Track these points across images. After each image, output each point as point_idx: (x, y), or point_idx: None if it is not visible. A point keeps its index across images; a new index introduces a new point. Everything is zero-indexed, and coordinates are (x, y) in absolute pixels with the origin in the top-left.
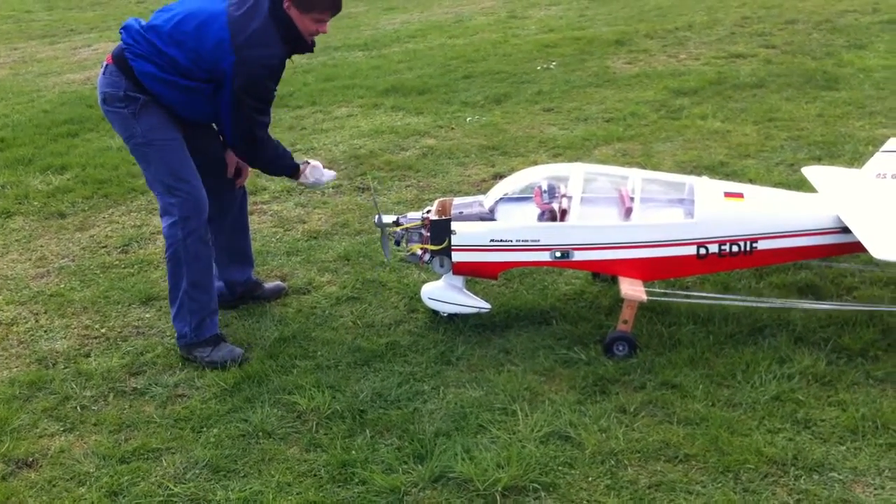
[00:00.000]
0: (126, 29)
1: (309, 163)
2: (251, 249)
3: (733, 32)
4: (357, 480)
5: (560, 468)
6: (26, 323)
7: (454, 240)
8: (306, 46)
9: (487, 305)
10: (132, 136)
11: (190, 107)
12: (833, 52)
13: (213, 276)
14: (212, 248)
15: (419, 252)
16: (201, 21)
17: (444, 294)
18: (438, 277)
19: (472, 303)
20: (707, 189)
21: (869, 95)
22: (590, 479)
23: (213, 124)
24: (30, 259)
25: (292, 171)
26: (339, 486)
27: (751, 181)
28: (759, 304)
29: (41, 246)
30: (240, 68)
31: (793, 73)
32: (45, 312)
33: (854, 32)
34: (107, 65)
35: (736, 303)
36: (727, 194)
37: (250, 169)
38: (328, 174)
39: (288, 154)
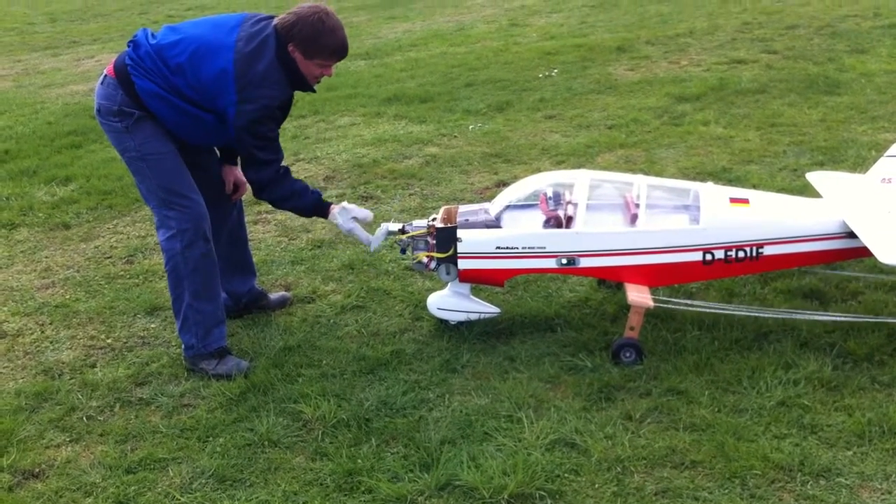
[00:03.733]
0: (135, 44)
1: (339, 206)
2: (252, 260)
3: (734, 38)
4: (363, 489)
5: (566, 475)
6: (32, 334)
7: (460, 247)
8: (308, 87)
9: (496, 309)
10: (126, 150)
11: (188, 131)
12: (834, 57)
13: (219, 285)
14: (215, 257)
15: (425, 260)
16: (206, 50)
17: (452, 302)
18: (444, 285)
19: (480, 309)
20: (712, 195)
21: (871, 100)
22: (596, 485)
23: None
24: (35, 270)
25: (317, 209)
26: (345, 495)
27: (754, 187)
28: (764, 315)
29: (46, 257)
30: (241, 107)
31: (794, 79)
32: (51, 323)
33: (855, 37)
34: (106, 75)
35: (741, 313)
36: (733, 200)
37: (246, 189)
38: (362, 213)
39: (309, 192)
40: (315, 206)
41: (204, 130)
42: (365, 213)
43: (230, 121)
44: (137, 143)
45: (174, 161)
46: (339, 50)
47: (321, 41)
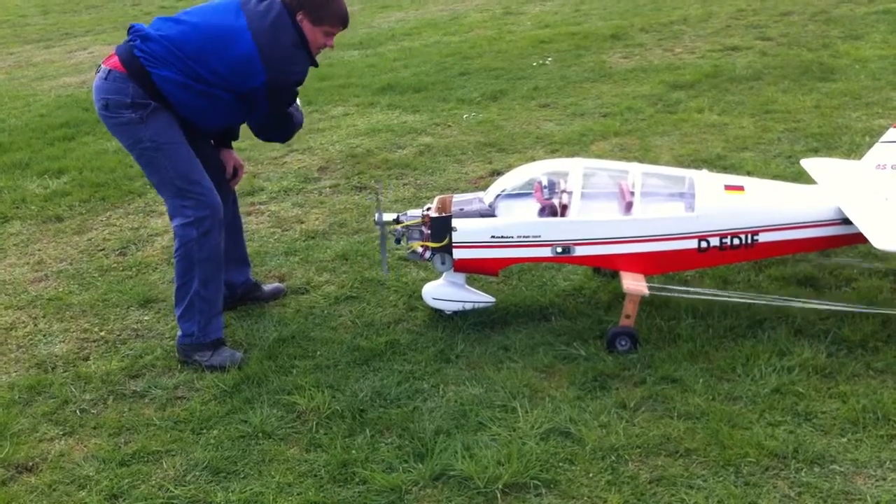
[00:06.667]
0: (143, 38)
1: None
2: (247, 250)
3: (729, 25)
4: (357, 480)
5: (560, 464)
6: (25, 327)
7: (455, 236)
8: (313, 61)
9: (492, 299)
10: (139, 142)
11: (207, 114)
12: (829, 44)
13: (223, 276)
14: (222, 247)
15: (420, 249)
16: (222, 35)
17: (448, 292)
18: (438, 276)
19: (476, 298)
20: (707, 182)
21: (865, 86)
22: (590, 474)
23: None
24: (28, 263)
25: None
26: (340, 486)
27: (749, 174)
28: (759, 302)
29: (39, 250)
30: (274, 83)
31: (789, 65)
32: (44, 316)
33: (849, 23)
34: (111, 70)
35: (735, 300)
36: (728, 187)
37: (244, 171)
38: None
39: (299, 115)
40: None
41: (223, 111)
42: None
43: (264, 96)
44: (153, 133)
45: (188, 150)
46: (344, 16)
47: (329, 7)
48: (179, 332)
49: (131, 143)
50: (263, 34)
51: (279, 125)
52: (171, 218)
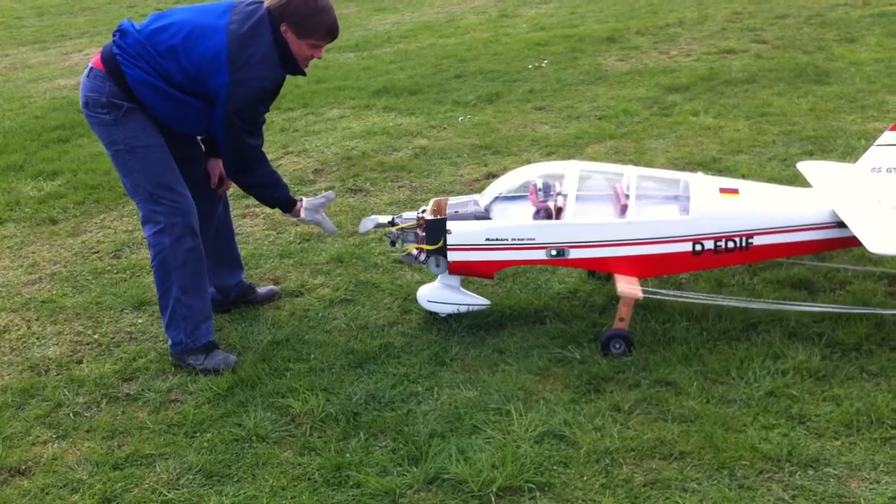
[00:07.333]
0: (122, 33)
1: (303, 200)
2: (239, 253)
3: (724, 28)
4: (351, 483)
5: (555, 468)
6: (18, 330)
7: (450, 239)
8: (299, 70)
9: (486, 301)
10: (113, 143)
11: (178, 118)
12: (824, 47)
13: (207, 280)
14: (203, 252)
15: (414, 252)
16: (199, 33)
17: (442, 295)
18: (433, 278)
19: (470, 301)
20: (702, 185)
21: (860, 89)
22: (585, 478)
23: (198, 137)
24: (21, 266)
25: (285, 203)
26: (334, 490)
27: (744, 177)
28: (753, 306)
29: (33, 252)
30: (234, 88)
31: (784, 68)
32: (38, 319)
33: (845, 26)
34: (92, 68)
35: (730, 303)
36: (722, 190)
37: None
38: (321, 200)
39: (282, 185)
40: (285, 200)
41: (193, 117)
42: (328, 196)
43: (221, 102)
44: (126, 136)
45: (163, 154)
46: (331, 29)
47: (314, 20)
48: (169, 342)
49: (107, 144)
50: (238, 37)
51: (239, 156)
52: (144, 225)
